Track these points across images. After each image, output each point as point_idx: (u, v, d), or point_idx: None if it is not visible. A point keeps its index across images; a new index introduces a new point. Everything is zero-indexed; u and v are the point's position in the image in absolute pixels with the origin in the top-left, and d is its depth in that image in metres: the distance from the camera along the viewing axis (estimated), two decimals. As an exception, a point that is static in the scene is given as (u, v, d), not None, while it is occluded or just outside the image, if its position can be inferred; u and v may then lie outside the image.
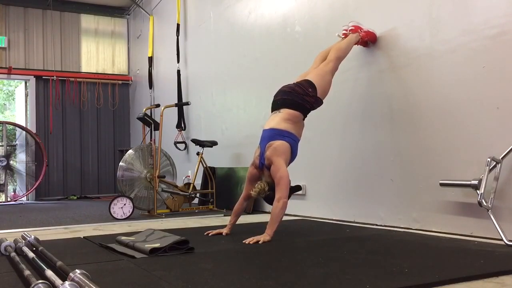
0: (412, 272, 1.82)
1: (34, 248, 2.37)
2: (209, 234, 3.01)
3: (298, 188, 3.03)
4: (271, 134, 2.97)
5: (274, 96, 3.17)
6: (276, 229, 2.76)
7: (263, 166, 2.94)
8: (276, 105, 3.12)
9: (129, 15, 8.94)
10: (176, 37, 6.54)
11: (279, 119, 3.01)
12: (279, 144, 2.91)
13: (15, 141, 8.11)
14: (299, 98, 3.05)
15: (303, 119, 3.12)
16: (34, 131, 7.96)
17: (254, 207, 4.60)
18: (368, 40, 3.41)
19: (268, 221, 2.79)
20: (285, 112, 3.03)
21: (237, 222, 3.17)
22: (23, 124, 8.10)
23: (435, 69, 2.96)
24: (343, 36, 3.47)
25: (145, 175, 4.71)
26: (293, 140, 2.98)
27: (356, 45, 3.43)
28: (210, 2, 5.81)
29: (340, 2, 3.75)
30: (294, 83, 3.15)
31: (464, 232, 2.74)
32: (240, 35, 5.13)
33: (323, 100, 3.19)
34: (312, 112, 3.28)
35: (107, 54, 8.83)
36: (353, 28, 3.39)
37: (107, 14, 8.83)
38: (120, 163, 4.74)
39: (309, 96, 3.07)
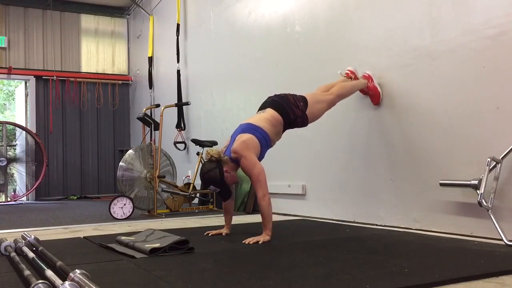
0: (412, 272, 1.82)
1: (34, 248, 2.37)
2: (209, 234, 3.01)
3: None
4: (245, 128, 2.92)
5: (266, 99, 3.16)
6: (273, 228, 2.75)
7: (231, 159, 2.85)
8: (263, 105, 3.11)
9: (129, 15, 8.94)
10: (176, 37, 6.54)
11: (260, 117, 2.98)
12: (249, 138, 2.84)
13: (15, 141, 8.11)
14: (288, 105, 3.01)
15: (282, 130, 3.07)
16: (34, 131, 7.95)
17: (254, 207, 4.60)
18: (371, 96, 3.32)
19: (262, 221, 2.77)
20: (268, 112, 3.01)
21: (237, 222, 3.18)
22: (23, 124, 8.10)
23: (435, 69, 2.96)
24: (345, 75, 3.41)
25: (145, 175, 4.71)
26: (264, 140, 2.90)
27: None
28: (210, 2, 5.81)
29: (340, 2, 3.75)
30: (289, 93, 3.13)
31: (464, 232, 2.74)
32: (240, 35, 5.13)
33: (309, 125, 3.13)
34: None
35: (107, 54, 8.83)
36: (367, 75, 3.33)
37: (107, 14, 8.83)
38: (120, 163, 4.74)
39: (298, 109, 3.03)
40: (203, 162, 4.85)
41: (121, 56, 8.95)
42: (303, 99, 3.09)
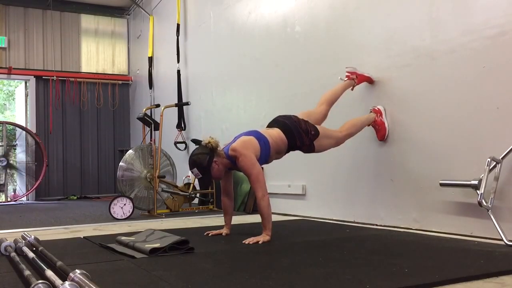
0: (412, 272, 1.82)
1: (34, 248, 2.37)
2: (209, 234, 3.01)
3: None
4: (250, 132, 2.94)
5: (277, 116, 3.12)
6: (273, 228, 2.75)
7: (227, 156, 2.85)
8: (273, 123, 3.07)
9: (129, 15, 8.94)
10: (176, 37, 6.54)
11: (266, 131, 2.97)
12: (251, 139, 2.85)
13: (15, 141, 8.11)
14: (297, 131, 2.96)
15: (285, 151, 3.04)
16: (34, 131, 7.95)
17: (254, 207, 4.60)
18: (377, 131, 3.30)
19: (261, 221, 2.77)
20: (276, 130, 2.98)
21: (237, 222, 3.18)
22: (23, 124, 8.10)
23: (435, 69, 2.96)
24: (346, 79, 3.39)
25: (145, 175, 4.71)
26: (264, 150, 2.86)
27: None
28: (210, 2, 5.81)
29: (340, 2, 3.75)
30: (303, 119, 3.05)
31: (464, 232, 2.74)
32: (240, 35, 5.13)
33: (315, 149, 3.08)
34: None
35: (107, 54, 8.83)
36: (377, 109, 3.28)
37: (107, 14, 8.83)
38: (120, 163, 4.74)
39: (307, 137, 2.98)
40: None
41: (121, 56, 8.95)
42: (315, 130, 3.02)
